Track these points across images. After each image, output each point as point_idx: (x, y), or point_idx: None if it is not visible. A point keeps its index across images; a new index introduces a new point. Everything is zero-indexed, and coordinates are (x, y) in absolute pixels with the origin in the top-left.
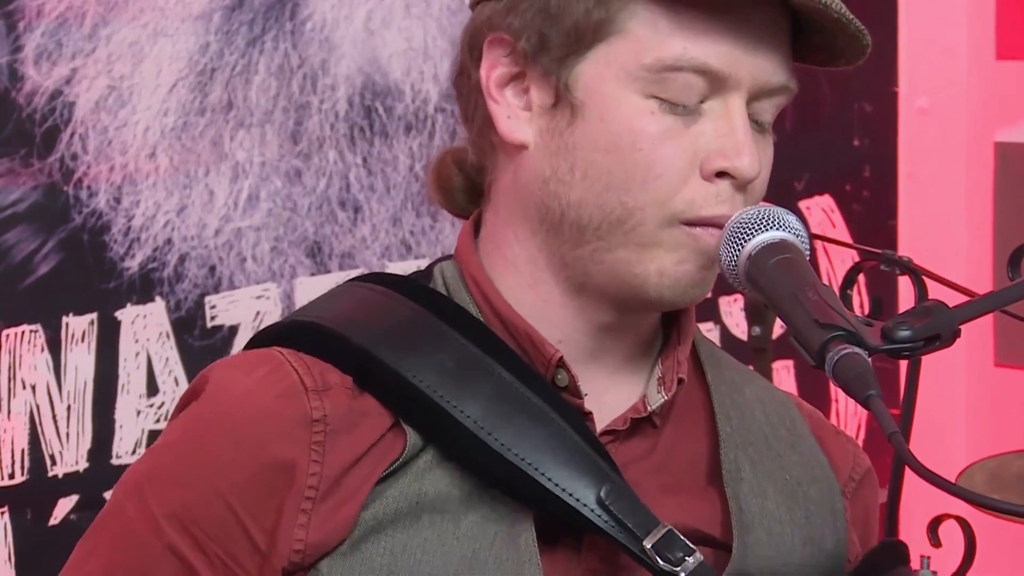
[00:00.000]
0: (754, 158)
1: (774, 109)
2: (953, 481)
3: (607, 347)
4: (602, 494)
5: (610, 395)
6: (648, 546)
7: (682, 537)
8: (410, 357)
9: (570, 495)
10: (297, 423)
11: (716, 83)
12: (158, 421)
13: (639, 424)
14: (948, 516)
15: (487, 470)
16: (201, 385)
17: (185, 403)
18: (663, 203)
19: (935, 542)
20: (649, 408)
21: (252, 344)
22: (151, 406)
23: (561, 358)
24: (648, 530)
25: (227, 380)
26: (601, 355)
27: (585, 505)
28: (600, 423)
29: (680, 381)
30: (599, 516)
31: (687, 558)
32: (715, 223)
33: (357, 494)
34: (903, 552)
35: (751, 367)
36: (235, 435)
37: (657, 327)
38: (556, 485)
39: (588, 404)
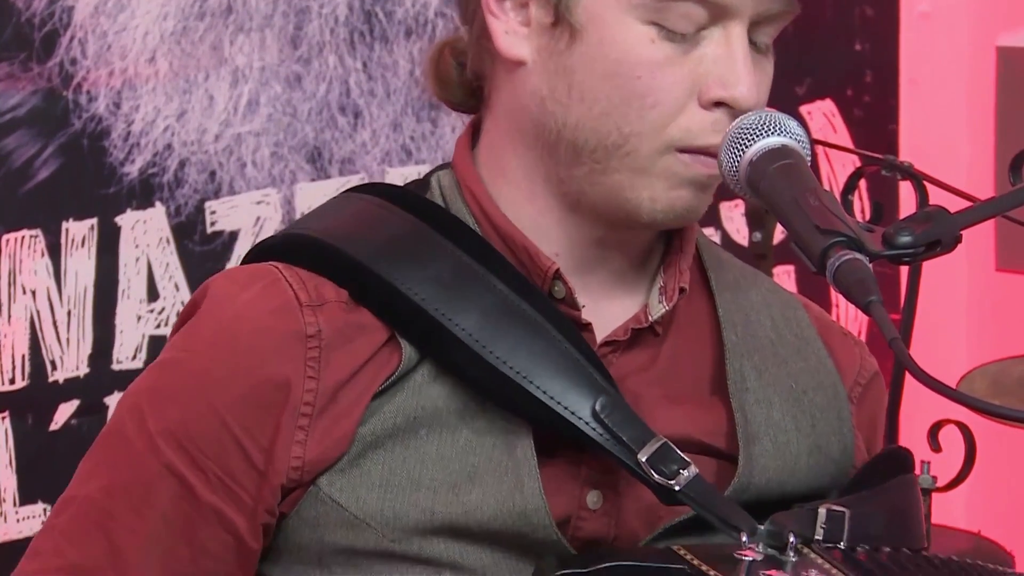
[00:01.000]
0: (752, 88)
1: (775, 31)
2: (953, 386)
3: (604, 259)
4: (597, 407)
5: (611, 306)
6: (643, 459)
7: (676, 450)
8: (406, 270)
9: (565, 408)
10: (292, 339)
11: (717, 12)
12: (158, 326)
13: (640, 334)
14: (948, 421)
15: (483, 383)
16: (199, 300)
17: (184, 318)
18: (659, 131)
19: (935, 447)
20: (650, 318)
21: (249, 258)
22: (151, 311)
23: (557, 270)
24: (643, 443)
25: (223, 296)
26: (598, 267)
27: (580, 418)
28: (600, 334)
29: (682, 291)
30: (593, 429)
31: (682, 471)
32: (710, 152)
33: (354, 409)
34: (907, 459)
35: None
36: (230, 353)
37: (657, 239)
38: (551, 398)
39: (587, 315)
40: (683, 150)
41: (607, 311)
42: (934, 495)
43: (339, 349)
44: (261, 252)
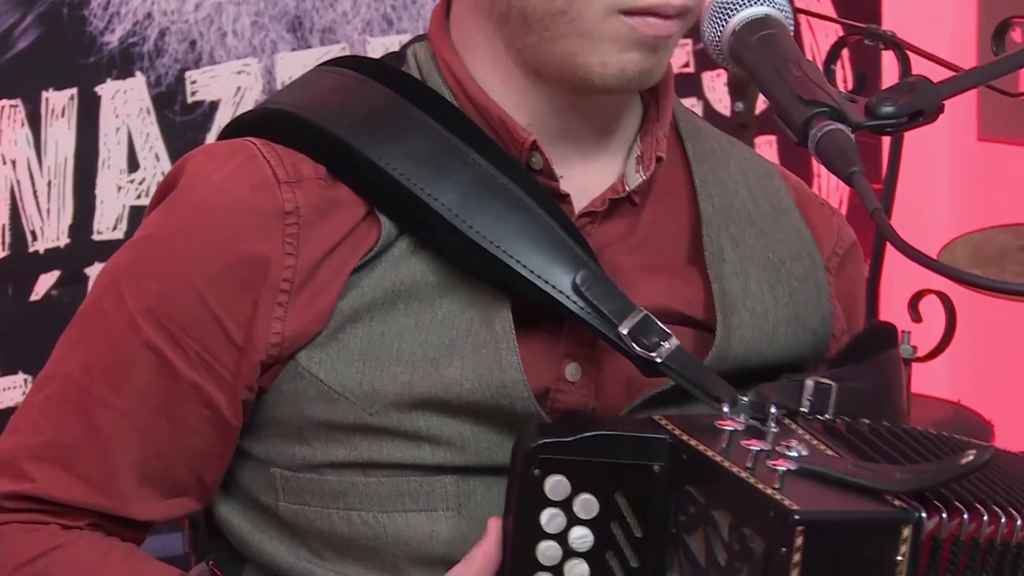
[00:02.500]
0: None
1: None
2: (935, 257)
3: (578, 127)
4: (577, 280)
5: (587, 177)
6: (624, 332)
7: (658, 322)
8: (384, 145)
9: (545, 281)
10: (270, 216)
11: None
12: (139, 197)
13: (618, 204)
14: (929, 291)
15: (463, 257)
16: (176, 176)
17: (162, 195)
18: None
19: (916, 317)
20: (627, 188)
21: (226, 133)
22: (132, 182)
23: (534, 141)
24: (624, 316)
25: (201, 173)
26: (573, 136)
27: (560, 291)
28: (578, 206)
29: (659, 159)
30: (574, 302)
31: (663, 343)
32: (656, 12)
33: (333, 284)
34: (893, 335)
35: None
36: (208, 229)
37: (630, 106)
38: (531, 272)
39: (565, 186)
40: (628, 12)
41: (584, 182)
42: (914, 365)
43: (317, 225)
44: (238, 127)
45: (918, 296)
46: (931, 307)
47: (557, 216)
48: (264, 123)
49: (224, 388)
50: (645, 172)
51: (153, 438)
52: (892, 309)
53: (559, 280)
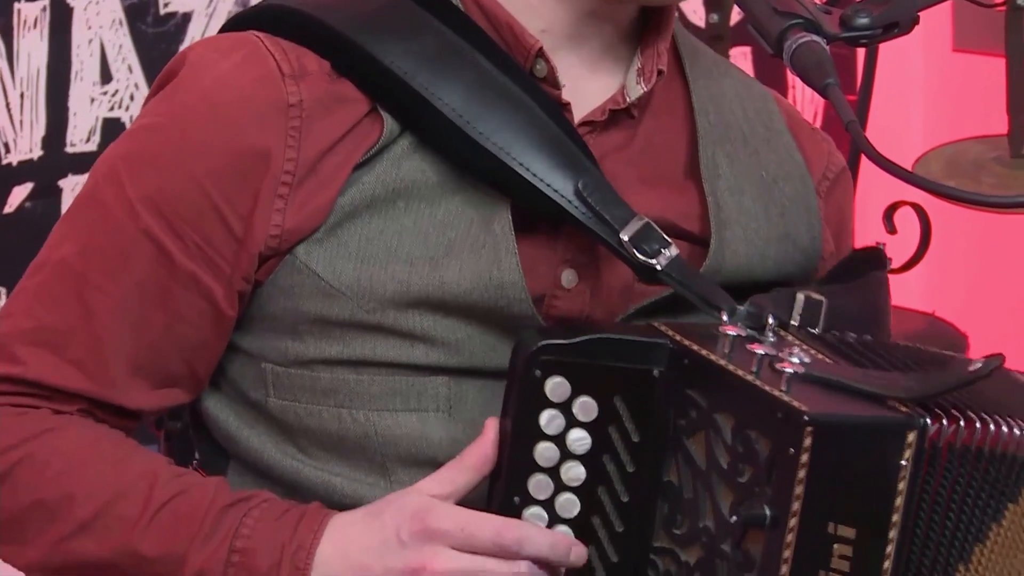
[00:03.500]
0: None
1: None
2: (909, 168)
3: (587, 35)
4: (580, 186)
5: (589, 86)
6: (625, 238)
7: (658, 230)
8: (388, 42)
9: (548, 185)
10: (273, 109)
11: None
12: (112, 109)
13: (617, 115)
14: (904, 203)
15: (464, 158)
16: (177, 67)
17: (161, 84)
18: None
19: (891, 229)
20: (628, 99)
21: (228, 27)
22: (105, 94)
23: (540, 48)
24: (625, 222)
25: (204, 63)
26: (581, 44)
27: (563, 196)
28: (578, 115)
29: (660, 72)
30: (576, 207)
31: (663, 250)
32: None
33: (334, 179)
34: (882, 257)
35: None
36: (211, 120)
37: (637, 18)
38: (534, 175)
39: (566, 95)
40: None
41: (586, 92)
42: (890, 276)
43: (320, 120)
44: (241, 22)
45: (893, 208)
46: (906, 219)
47: (560, 122)
48: (268, 18)
49: (221, 279)
50: (646, 84)
51: (147, 327)
52: (867, 221)
53: (561, 185)
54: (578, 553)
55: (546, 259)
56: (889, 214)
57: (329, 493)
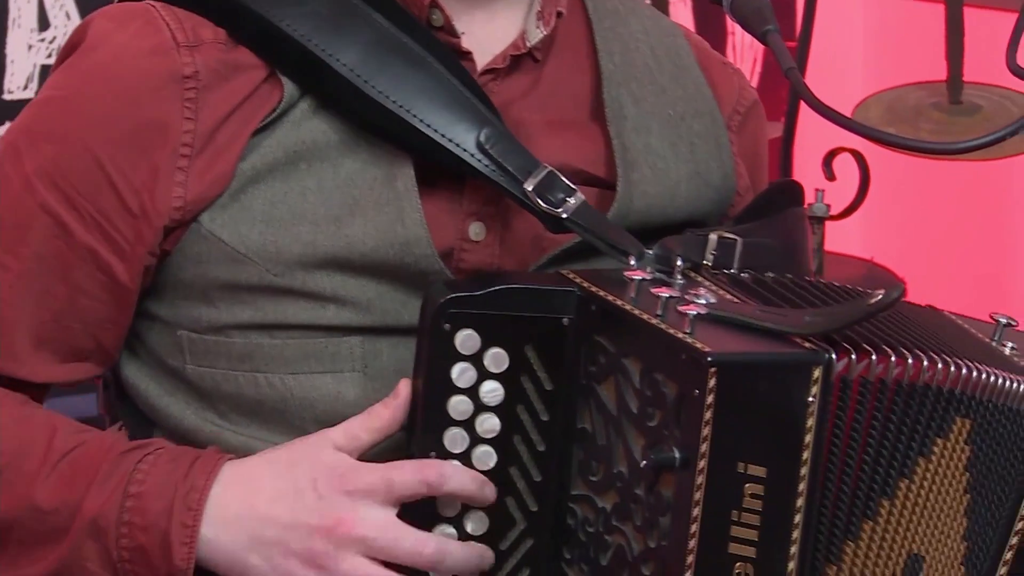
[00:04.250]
0: None
1: None
2: (848, 115)
3: None
4: (481, 138)
5: (489, 33)
6: (529, 188)
7: (563, 178)
8: (284, 6)
9: (449, 140)
10: (168, 80)
11: None
12: (49, 56)
13: (520, 61)
14: (843, 149)
15: (365, 117)
16: (79, 38)
17: (64, 56)
18: None
19: (829, 176)
20: (528, 43)
21: None
22: (43, 40)
23: None
24: (528, 172)
25: (101, 35)
26: None
27: (464, 149)
28: (480, 62)
29: (559, 14)
30: (479, 160)
31: (568, 199)
32: None
33: (233, 145)
34: (797, 192)
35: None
36: (106, 94)
37: None
38: (434, 130)
39: (467, 43)
40: None
41: (486, 39)
42: (828, 223)
43: (217, 89)
44: None
45: (832, 154)
46: (845, 165)
47: (459, 74)
48: None
49: (120, 253)
50: (545, 27)
51: (49, 301)
52: (806, 167)
53: (463, 138)
54: (491, 489)
55: (452, 213)
56: (828, 161)
57: None
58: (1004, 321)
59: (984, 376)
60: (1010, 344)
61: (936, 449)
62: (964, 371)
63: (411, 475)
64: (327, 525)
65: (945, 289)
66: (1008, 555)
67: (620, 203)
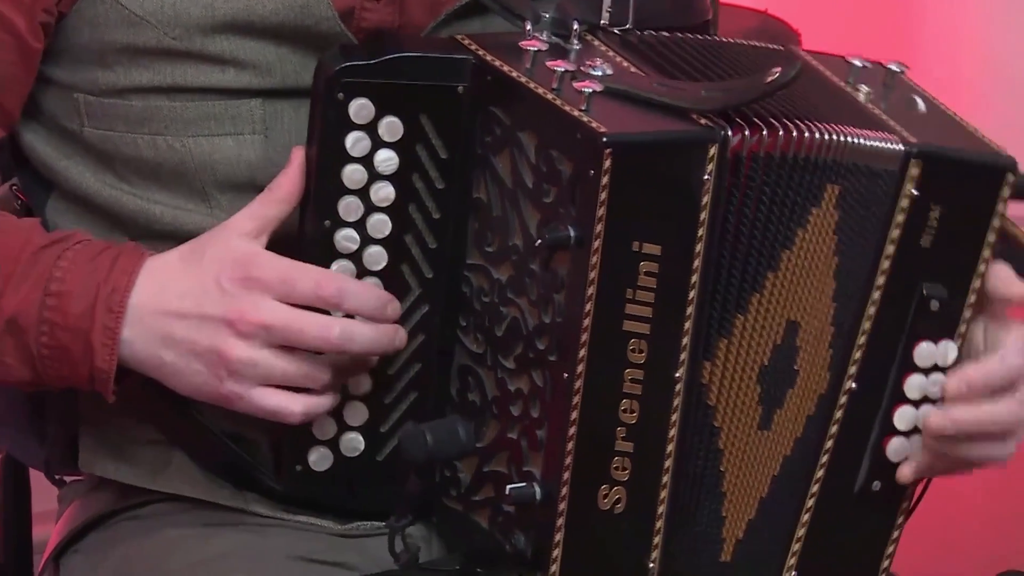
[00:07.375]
0: None
1: None
2: None
3: None
4: None
5: None
6: None
7: None
8: None
9: None
10: None
11: None
12: None
13: None
14: None
15: None
16: None
17: None
18: None
19: None
20: None
21: None
22: None
23: None
24: None
25: None
26: None
27: None
28: None
29: None
30: None
31: None
32: None
33: None
34: None
35: None
36: None
37: None
38: None
39: None
40: None
41: None
42: None
43: None
44: None
45: None
46: None
47: None
48: None
49: (21, 10)
50: None
51: None
52: None
53: None
54: (394, 308)
55: None
56: None
57: (150, 222)
58: (859, 64)
59: (851, 139)
60: (864, 87)
61: (811, 219)
62: (836, 137)
63: (310, 286)
64: (231, 318)
65: (836, 41)
66: (871, 310)
67: None
